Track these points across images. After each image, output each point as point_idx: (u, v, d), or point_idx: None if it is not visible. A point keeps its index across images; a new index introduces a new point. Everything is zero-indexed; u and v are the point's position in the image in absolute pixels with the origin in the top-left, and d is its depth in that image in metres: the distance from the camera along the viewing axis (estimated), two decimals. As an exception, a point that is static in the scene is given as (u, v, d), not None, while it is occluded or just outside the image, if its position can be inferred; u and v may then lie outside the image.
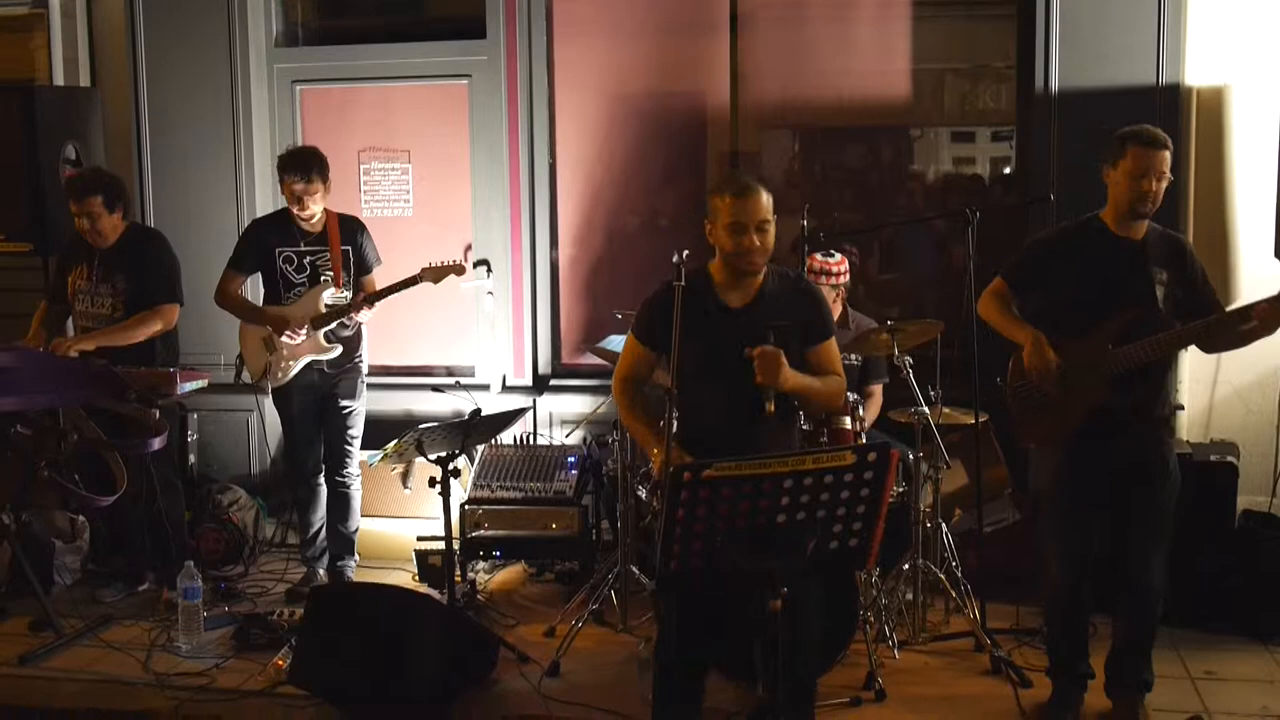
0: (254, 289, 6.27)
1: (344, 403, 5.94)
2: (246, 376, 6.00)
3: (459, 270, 5.77)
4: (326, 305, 5.79)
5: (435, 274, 5.73)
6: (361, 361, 6.01)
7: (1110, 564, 4.44)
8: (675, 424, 3.89)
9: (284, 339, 5.77)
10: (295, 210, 5.77)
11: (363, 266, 5.91)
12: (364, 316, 5.84)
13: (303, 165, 5.73)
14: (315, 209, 5.78)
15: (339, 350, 5.82)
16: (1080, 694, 4.55)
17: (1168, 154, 4.23)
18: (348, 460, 6.00)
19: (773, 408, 3.88)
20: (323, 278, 5.81)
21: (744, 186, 3.97)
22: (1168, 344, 4.20)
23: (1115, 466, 4.33)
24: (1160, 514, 4.35)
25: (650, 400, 4.22)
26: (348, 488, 6.02)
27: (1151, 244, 4.30)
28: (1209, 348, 4.36)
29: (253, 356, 5.91)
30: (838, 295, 5.79)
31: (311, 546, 6.13)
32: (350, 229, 5.92)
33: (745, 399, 3.91)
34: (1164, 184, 4.23)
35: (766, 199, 3.98)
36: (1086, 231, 4.38)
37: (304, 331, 5.75)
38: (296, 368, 5.82)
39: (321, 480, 6.05)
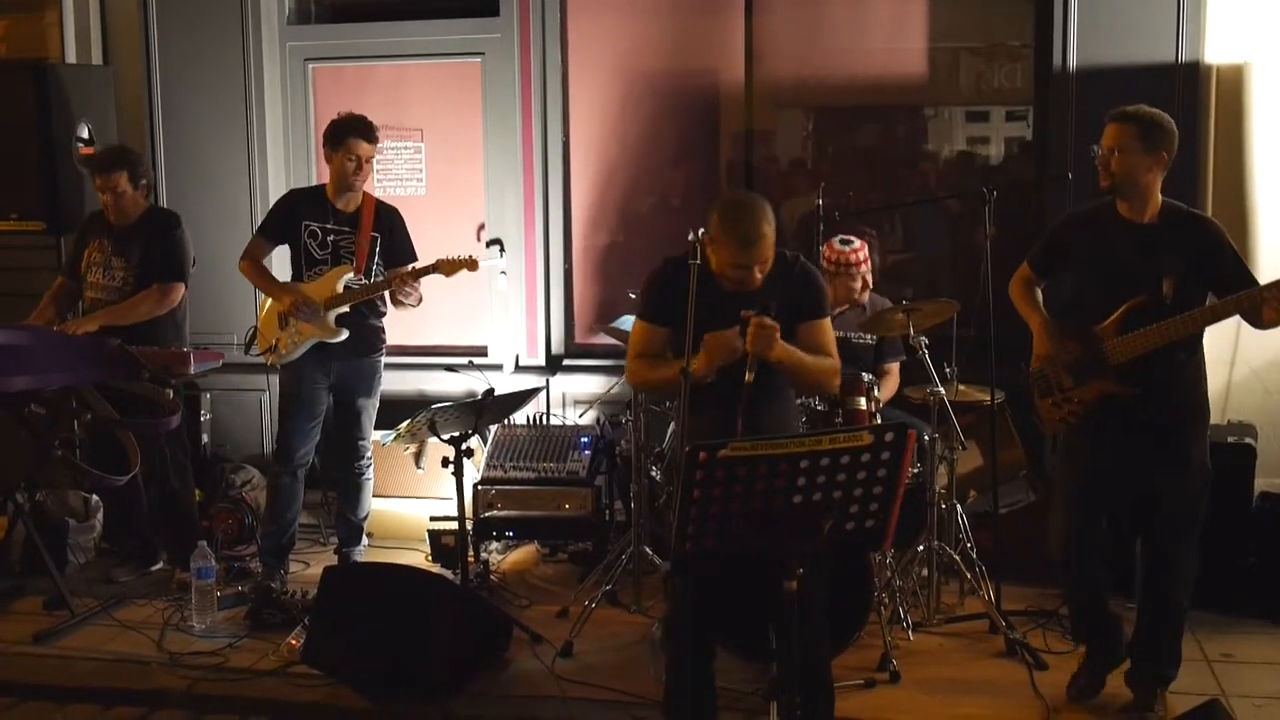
0: (282, 267, 6.25)
1: (360, 401, 5.85)
2: (256, 349, 5.93)
3: (472, 265, 5.65)
4: (343, 287, 5.72)
5: (449, 267, 5.63)
6: (380, 359, 5.90)
7: (1133, 555, 4.41)
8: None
9: (294, 315, 5.71)
10: (352, 176, 5.66)
11: (393, 258, 5.76)
12: (410, 300, 5.71)
13: (368, 126, 5.68)
14: (369, 174, 5.72)
15: (345, 334, 5.68)
16: (1110, 660, 4.49)
17: (1112, 127, 4.20)
18: (362, 453, 5.94)
19: (751, 377, 3.80)
20: (344, 259, 5.76)
21: (749, 237, 3.87)
22: (1162, 334, 4.09)
23: (1132, 456, 4.28)
24: (1181, 509, 4.27)
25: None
26: (361, 476, 5.97)
27: (1164, 228, 4.21)
28: (1256, 323, 4.16)
29: (266, 330, 5.84)
30: (864, 286, 5.73)
31: (276, 545, 5.88)
32: (386, 217, 5.80)
33: (738, 375, 3.87)
34: (1112, 157, 4.18)
35: (769, 238, 3.91)
36: (1099, 216, 4.33)
37: (315, 310, 5.69)
38: (302, 347, 5.72)
39: (302, 476, 5.88)
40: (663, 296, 4.07)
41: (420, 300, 5.73)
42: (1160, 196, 4.24)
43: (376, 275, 5.75)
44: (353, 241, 5.72)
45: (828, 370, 4.08)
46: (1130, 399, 4.20)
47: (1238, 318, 4.14)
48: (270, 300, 5.85)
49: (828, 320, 4.11)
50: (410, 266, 5.73)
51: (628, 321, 6.46)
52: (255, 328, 5.95)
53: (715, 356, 3.86)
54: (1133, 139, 4.15)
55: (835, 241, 5.68)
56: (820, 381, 4.16)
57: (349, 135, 5.65)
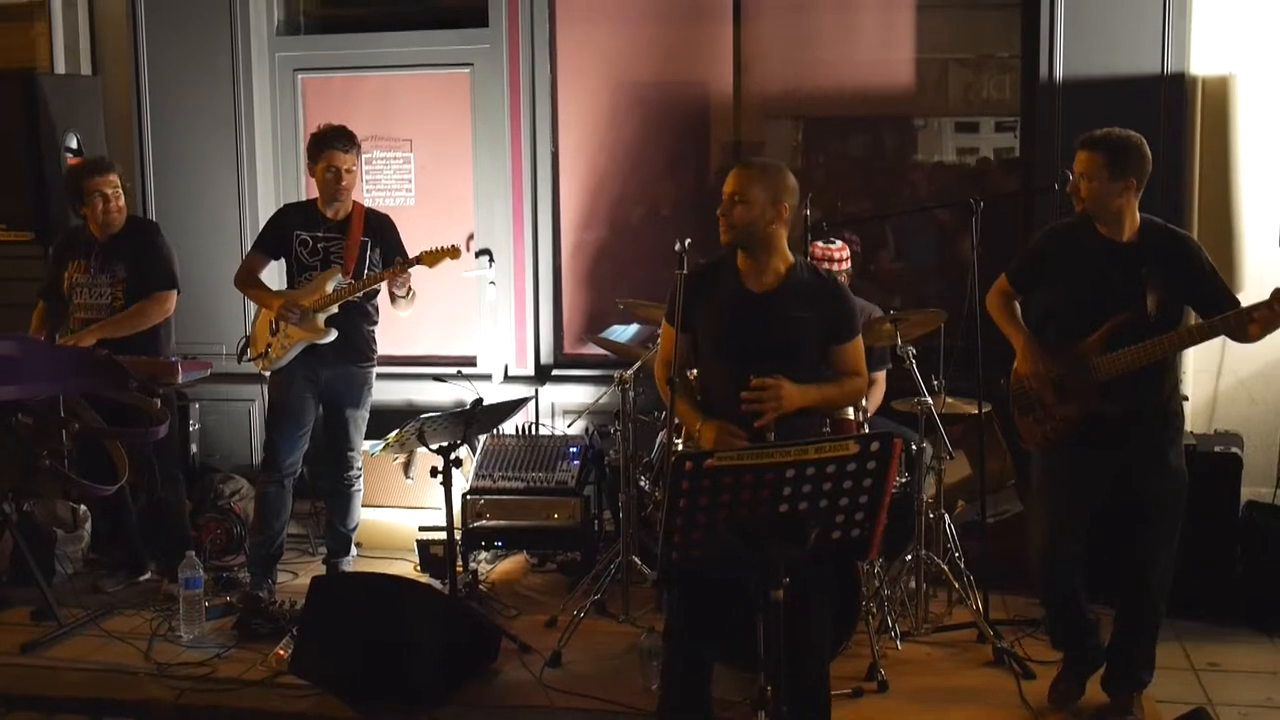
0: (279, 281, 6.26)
1: (349, 410, 5.85)
2: (249, 355, 5.94)
3: (454, 253, 5.69)
4: (332, 289, 5.71)
5: (431, 258, 5.66)
6: (371, 370, 5.91)
7: (1112, 560, 4.43)
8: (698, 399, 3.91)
9: (283, 319, 5.69)
10: (333, 186, 5.68)
11: (387, 263, 5.76)
12: (404, 303, 5.77)
13: (346, 136, 5.71)
14: (351, 184, 5.74)
15: (334, 334, 5.68)
16: (1089, 664, 4.51)
17: (1081, 154, 4.25)
18: (351, 464, 5.94)
19: (772, 436, 3.91)
20: (334, 263, 5.76)
21: (737, 164, 4.17)
22: (1150, 352, 4.12)
23: (1114, 472, 4.31)
24: (1160, 514, 4.29)
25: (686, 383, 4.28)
26: (350, 487, 5.96)
27: (1144, 245, 4.24)
28: (1240, 339, 4.19)
29: (258, 336, 5.86)
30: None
31: (264, 555, 5.85)
32: (376, 224, 5.83)
33: (742, 383, 3.96)
34: (1082, 183, 4.24)
35: (748, 174, 4.06)
36: (1078, 232, 4.35)
37: (303, 312, 5.66)
38: (293, 351, 5.72)
39: (290, 485, 5.88)
40: (680, 303, 4.09)
41: (411, 293, 5.74)
42: (1139, 214, 4.26)
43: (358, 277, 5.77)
44: (342, 246, 5.74)
45: (852, 392, 4.23)
46: (1106, 417, 4.22)
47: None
48: (262, 309, 5.86)
49: (859, 339, 4.21)
50: (396, 260, 5.72)
51: (617, 331, 6.50)
52: (247, 336, 5.97)
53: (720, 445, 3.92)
54: (1100, 167, 4.19)
55: (819, 242, 5.71)
56: (849, 401, 4.38)
57: (325, 147, 5.69)
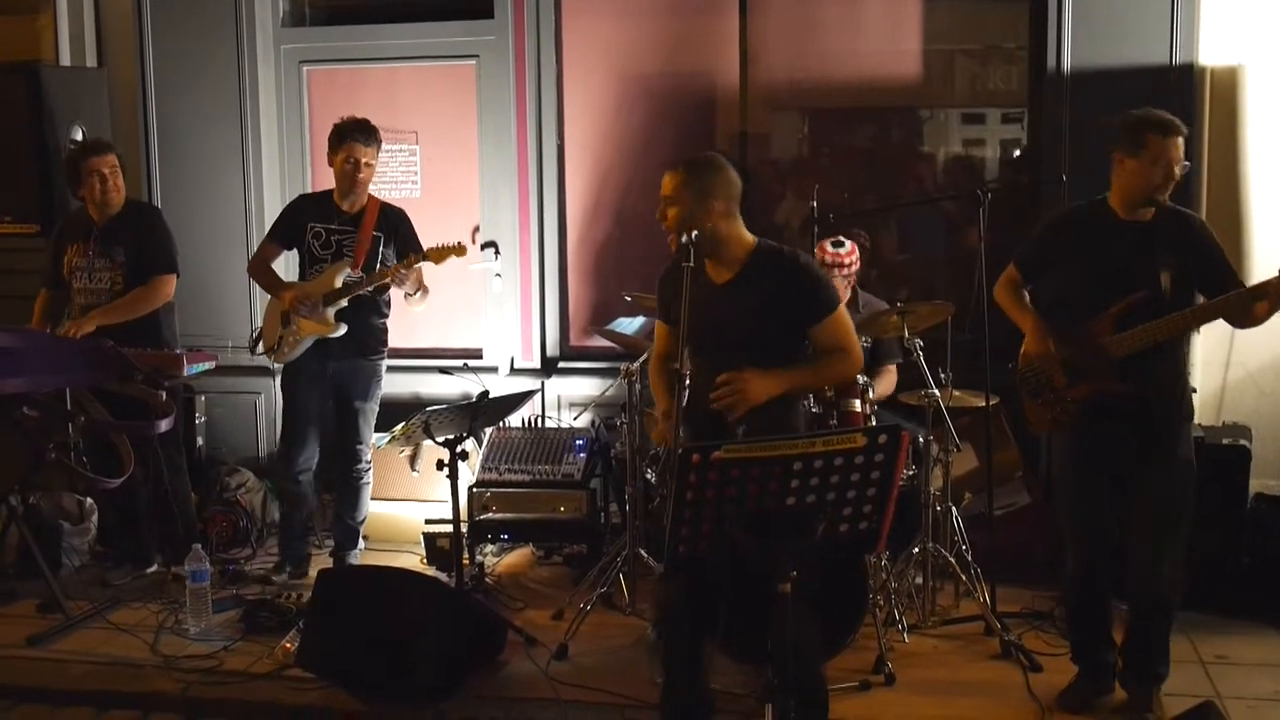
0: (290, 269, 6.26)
1: (358, 403, 5.87)
2: (261, 348, 5.96)
3: (460, 251, 5.70)
4: (341, 283, 5.72)
5: (437, 255, 5.68)
6: (380, 362, 5.93)
7: (1121, 556, 4.42)
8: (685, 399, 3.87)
9: (294, 311, 5.71)
10: (351, 178, 5.72)
11: (401, 257, 5.77)
12: (415, 300, 5.78)
13: (367, 130, 5.74)
14: (369, 177, 5.78)
15: (344, 329, 5.70)
16: (1103, 683, 4.50)
17: (1176, 140, 4.20)
18: (360, 456, 5.95)
19: (742, 431, 3.83)
20: (345, 257, 5.76)
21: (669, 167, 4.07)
22: (1164, 329, 4.13)
23: (1123, 454, 4.30)
24: (1168, 504, 4.29)
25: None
26: (359, 480, 5.98)
27: (1160, 226, 4.25)
28: (1238, 324, 4.26)
29: (270, 328, 5.88)
30: (848, 284, 5.75)
31: (288, 541, 6.02)
32: (391, 218, 5.86)
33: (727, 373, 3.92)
34: (1177, 168, 4.21)
35: (673, 176, 3.99)
36: (1093, 216, 4.35)
37: (313, 305, 5.69)
38: (304, 344, 5.74)
39: (305, 480, 5.96)
40: (665, 295, 4.16)
41: (419, 289, 5.76)
42: None
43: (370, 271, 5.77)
44: (354, 239, 5.75)
45: (838, 369, 4.07)
46: (1116, 396, 4.22)
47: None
48: (274, 299, 5.87)
49: (839, 313, 4.01)
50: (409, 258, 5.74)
51: (623, 324, 6.49)
52: (260, 328, 5.98)
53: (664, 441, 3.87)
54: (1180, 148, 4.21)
55: (827, 244, 5.68)
56: (832, 381, 4.26)
57: (346, 138, 5.72)
